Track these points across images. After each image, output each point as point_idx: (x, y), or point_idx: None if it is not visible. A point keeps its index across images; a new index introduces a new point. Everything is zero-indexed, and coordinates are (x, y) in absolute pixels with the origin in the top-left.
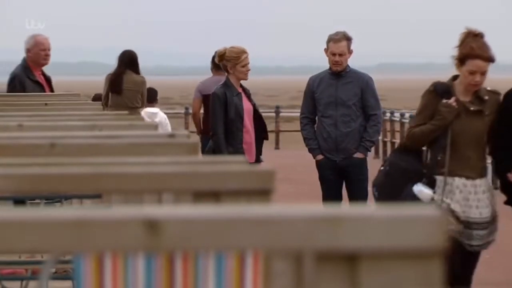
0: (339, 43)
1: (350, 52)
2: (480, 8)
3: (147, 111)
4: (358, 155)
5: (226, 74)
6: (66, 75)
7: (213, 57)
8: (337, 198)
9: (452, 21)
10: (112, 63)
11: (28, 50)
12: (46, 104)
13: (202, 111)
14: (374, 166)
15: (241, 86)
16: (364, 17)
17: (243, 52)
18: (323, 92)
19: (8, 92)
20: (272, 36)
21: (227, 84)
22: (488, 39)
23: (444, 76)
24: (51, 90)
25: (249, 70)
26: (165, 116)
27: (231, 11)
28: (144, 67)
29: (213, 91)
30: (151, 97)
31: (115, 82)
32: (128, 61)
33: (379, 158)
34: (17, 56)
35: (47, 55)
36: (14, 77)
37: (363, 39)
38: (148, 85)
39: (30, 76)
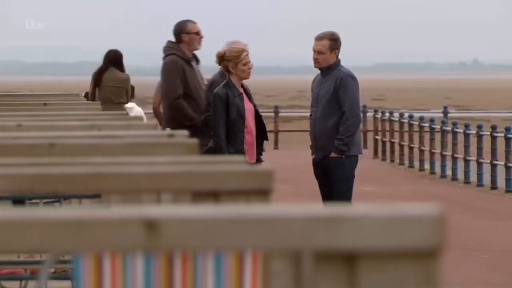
0: (319, 41)
1: (333, 52)
2: (480, 8)
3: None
4: (333, 154)
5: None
6: (65, 75)
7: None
8: (325, 197)
9: (451, 21)
10: None
11: None
12: (45, 104)
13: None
14: (373, 165)
15: (242, 86)
16: (364, 17)
17: (243, 50)
18: (313, 90)
19: (206, 98)
20: (271, 36)
21: (228, 85)
22: (488, 39)
23: (443, 77)
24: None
25: (251, 68)
26: (140, 110)
27: (230, 10)
28: (142, 66)
29: (214, 91)
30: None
31: (99, 78)
32: (113, 59)
33: (378, 157)
34: (17, 56)
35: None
36: (212, 83)
37: (362, 39)
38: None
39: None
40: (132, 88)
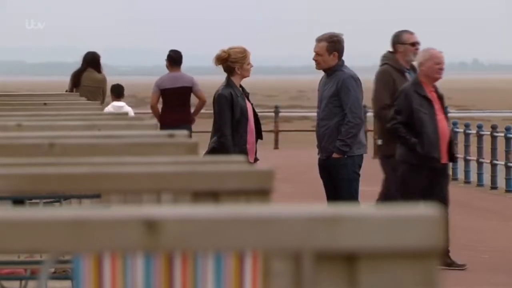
0: (318, 43)
1: (332, 53)
2: (480, 8)
3: (114, 105)
4: (334, 155)
5: (180, 70)
6: (65, 75)
7: (168, 56)
8: (330, 197)
9: (451, 21)
10: (111, 63)
11: (421, 64)
12: (45, 104)
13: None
14: (373, 165)
15: (240, 86)
16: (364, 17)
17: (246, 50)
18: (319, 90)
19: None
20: (271, 36)
21: (230, 85)
22: (489, 39)
23: (444, 77)
24: (443, 108)
25: (252, 66)
26: (130, 109)
27: (231, 10)
28: (142, 66)
29: (218, 92)
30: (119, 93)
31: (78, 78)
32: (91, 60)
33: None
34: (17, 56)
35: (441, 69)
36: (401, 90)
37: (363, 39)
38: (147, 85)
39: (418, 91)
40: (122, 87)
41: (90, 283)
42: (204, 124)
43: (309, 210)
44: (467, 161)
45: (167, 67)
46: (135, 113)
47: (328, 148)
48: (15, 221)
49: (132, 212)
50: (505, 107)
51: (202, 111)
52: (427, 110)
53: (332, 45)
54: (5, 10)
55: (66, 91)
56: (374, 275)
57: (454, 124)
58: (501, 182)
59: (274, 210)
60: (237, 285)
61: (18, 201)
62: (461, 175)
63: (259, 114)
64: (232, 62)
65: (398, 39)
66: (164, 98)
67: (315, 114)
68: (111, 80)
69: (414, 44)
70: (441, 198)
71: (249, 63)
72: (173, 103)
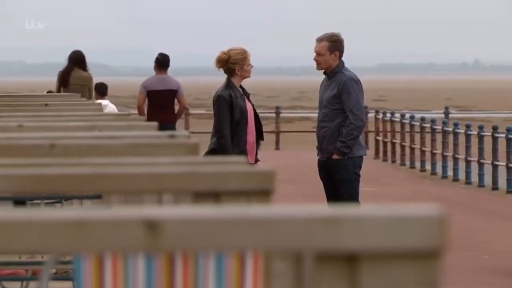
0: (318, 43)
1: (333, 53)
2: (481, 8)
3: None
4: (335, 156)
5: (167, 73)
6: None
7: (156, 59)
8: (330, 197)
9: (453, 21)
10: (111, 63)
11: None
12: (46, 104)
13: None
14: (375, 166)
15: (240, 87)
16: (365, 17)
17: (246, 51)
18: (320, 92)
19: None
20: (272, 37)
21: (230, 86)
22: (490, 40)
23: (444, 77)
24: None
25: (253, 67)
26: (114, 107)
27: (231, 10)
28: (142, 67)
29: (218, 93)
30: (102, 91)
31: (66, 77)
32: (76, 59)
33: (380, 158)
34: (18, 56)
35: None
36: None
37: (364, 40)
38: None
39: None
40: (105, 86)
41: (91, 283)
42: (204, 125)
43: (310, 211)
44: (468, 162)
45: (155, 69)
46: (135, 114)
47: (329, 149)
48: (16, 221)
49: (133, 213)
50: (506, 108)
51: (202, 111)
52: None
53: (333, 44)
54: (5, 10)
55: (49, 91)
56: (375, 276)
57: (455, 124)
58: (502, 183)
59: (275, 211)
60: (238, 286)
61: (19, 202)
62: (462, 176)
63: (259, 115)
64: (232, 63)
65: None
66: (151, 99)
67: (316, 115)
68: (111, 80)
69: None
70: None
71: (249, 64)
72: (159, 104)
